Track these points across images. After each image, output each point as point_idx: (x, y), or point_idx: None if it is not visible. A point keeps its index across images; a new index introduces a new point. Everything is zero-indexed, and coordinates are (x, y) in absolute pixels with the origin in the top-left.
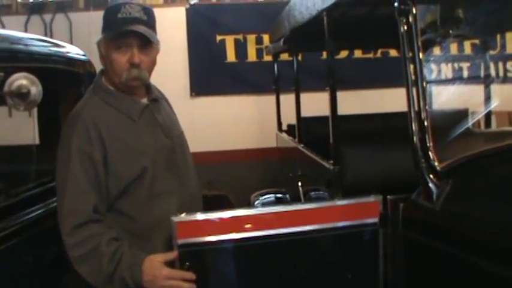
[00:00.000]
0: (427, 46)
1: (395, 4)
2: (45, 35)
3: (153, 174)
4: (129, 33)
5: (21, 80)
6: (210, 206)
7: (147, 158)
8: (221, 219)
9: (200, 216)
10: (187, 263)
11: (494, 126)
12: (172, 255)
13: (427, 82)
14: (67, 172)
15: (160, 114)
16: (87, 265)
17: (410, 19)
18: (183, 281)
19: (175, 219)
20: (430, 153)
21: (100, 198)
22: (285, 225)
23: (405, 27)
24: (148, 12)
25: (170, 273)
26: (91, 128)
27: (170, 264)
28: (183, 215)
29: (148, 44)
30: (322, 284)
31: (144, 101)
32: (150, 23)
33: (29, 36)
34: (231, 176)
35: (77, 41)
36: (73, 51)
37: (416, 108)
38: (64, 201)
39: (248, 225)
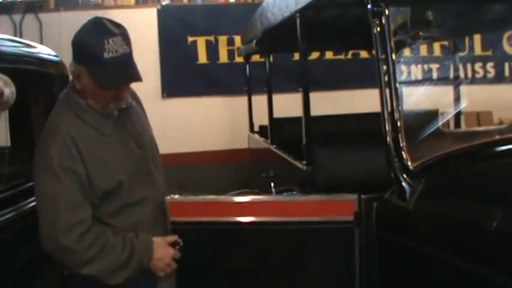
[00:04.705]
0: (397, 47)
1: (369, 6)
2: (15, 35)
3: (129, 186)
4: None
5: None
6: None
7: (122, 172)
8: (207, 203)
9: (189, 198)
10: (180, 242)
11: (463, 126)
12: (173, 238)
13: (399, 83)
14: (57, 188)
15: (131, 121)
16: (99, 262)
17: (383, 21)
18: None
19: (168, 199)
20: (403, 153)
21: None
22: (264, 214)
23: (378, 29)
24: (126, 35)
25: (174, 253)
26: (71, 144)
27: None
28: (176, 196)
29: None
30: (296, 274)
31: (115, 112)
32: (131, 48)
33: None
34: (203, 178)
35: (47, 41)
36: (45, 51)
37: (389, 108)
38: (61, 215)
39: (232, 211)
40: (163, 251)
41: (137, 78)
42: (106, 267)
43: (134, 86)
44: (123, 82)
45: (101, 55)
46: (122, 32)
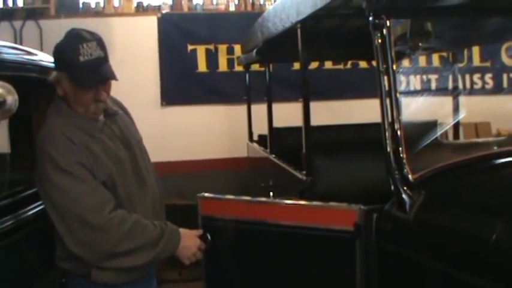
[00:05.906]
0: (397, 58)
1: (370, 18)
2: (15, 42)
3: (120, 185)
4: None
5: None
6: (180, 215)
7: (113, 169)
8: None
9: (218, 196)
10: (208, 236)
11: (461, 137)
12: (199, 231)
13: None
14: (71, 182)
15: (118, 127)
16: (132, 238)
17: (384, 32)
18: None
19: (198, 195)
20: (403, 164)
21: None
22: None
23: (379, 40)
24: (100, 42)
25: (200, 244)
26: (69, 142)
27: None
28: (206, 194)
29: None
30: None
31: (101, 118)
32: (107, 54)
33: (0, 44)
34: (201, 186)
35: (47, 48)
36: (46, 59)
37: (389, 119)
38: (85, 202)
39: (255, 212)
40: (190, 240)
41: (112, 77)
42: (139, 244)
43: (134, 93)
44: (99, 81)
45: (77, 59)
46: (96, 39)
